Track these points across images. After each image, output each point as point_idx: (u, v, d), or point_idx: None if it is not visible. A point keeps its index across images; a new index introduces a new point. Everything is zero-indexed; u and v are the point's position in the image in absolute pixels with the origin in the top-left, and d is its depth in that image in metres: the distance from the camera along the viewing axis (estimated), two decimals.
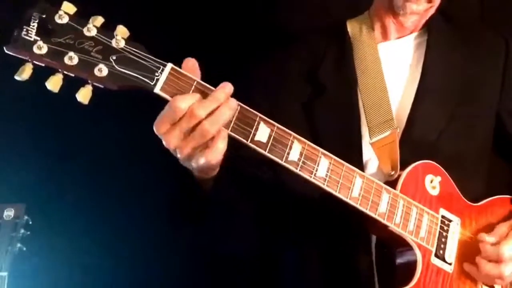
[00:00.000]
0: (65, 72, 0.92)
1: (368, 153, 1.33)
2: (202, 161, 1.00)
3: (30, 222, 1.67)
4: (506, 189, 1.45)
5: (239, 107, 1.02)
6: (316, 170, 1.09)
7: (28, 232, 1.67)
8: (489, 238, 1.25)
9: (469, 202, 1.33)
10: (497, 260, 1.21)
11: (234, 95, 1.01)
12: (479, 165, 1.43)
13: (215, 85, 1.00)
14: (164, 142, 1.00)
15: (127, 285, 1.86)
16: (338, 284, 1.31)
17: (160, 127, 0.98)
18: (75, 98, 0.95)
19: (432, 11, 1.38)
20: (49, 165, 1.83)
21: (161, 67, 0.96)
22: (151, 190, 1.82)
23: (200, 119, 0.96)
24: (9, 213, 1.65)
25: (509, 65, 1.43)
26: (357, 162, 1.29)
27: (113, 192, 1.84)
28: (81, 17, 0.96)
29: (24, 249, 1.64)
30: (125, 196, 1.85)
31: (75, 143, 1.85)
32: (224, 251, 1.85)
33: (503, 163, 1.53)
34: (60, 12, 0.92)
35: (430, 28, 1.43)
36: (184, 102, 0.96)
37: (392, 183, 1.24)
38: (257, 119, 1.03)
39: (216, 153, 1.00)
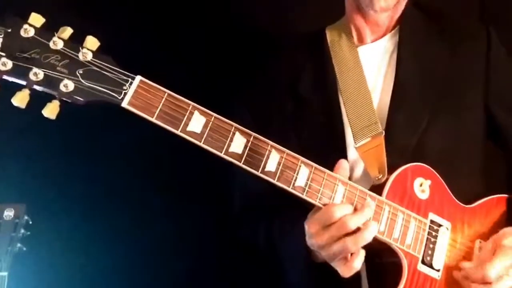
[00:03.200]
0: (31, 88, 0.91)
1: (354, 158, 1.31)
2: (337, 267, 1.12)
3: (30, 222, 1.65)
4: (506, 187, 1.40)
5: (213, 118, 1.00)
6: (295, 180, 1.07)
7: (28, 232, 1.65)
8: (468, 265, 1.22)
9: (462, 205, 1.29)
10: (485, 283, 1.17)
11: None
12: (472, 163, 1.38)
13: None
14: (312, 240, 1.13)
15: (127, 285, 1.86)
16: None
17: (311, 227, 1.12)
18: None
19: (403, 3, 1.34)
20: (49, 165, 1.81)
21: (130, 80, 0.94)
22: (152, 190, 1.84)
23: (350, 231, 1.08)
24: (9, 213, 1.64)
25: (492, 53, 1.38)
26: None
27: (113, 192, 1.83)
28: (49, 29, 0.94)
29: (24, 249, 1.63)
30: (126, 196, 1.84)
31: (75, 143, 1.82)
32: None
33: (501, 159, 1.48)
34: (25, 26, 0.91)
35: (402, 26, 1.38)
36: (338, 211, 1.09)
37: (379, 187, 1.22)
38: (232, 129, 1.01)
39: (351, 270, 1.10)
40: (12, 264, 1.57)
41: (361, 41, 1.41)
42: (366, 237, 1.09)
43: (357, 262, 1.10)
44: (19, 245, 1.63)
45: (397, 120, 1.30)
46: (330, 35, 1.43)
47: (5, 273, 1.56)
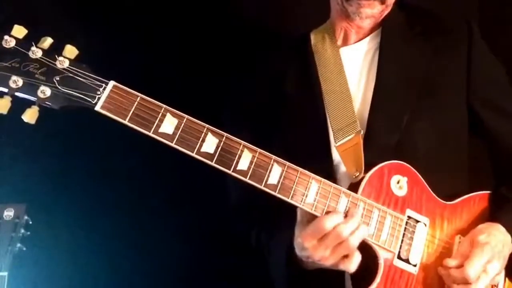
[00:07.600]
0: (12, 94, 0.97)
1: (338, 157, 1.33)
2: (342, 268, 1.16)
3: (30, 222, 1.68)
4: (492, 181, 1.43)
5: (185, 119, 1.05)
6: (268, 177, 1.11)
7: (28, 232, 1.67)
8: (451, 262, 1.23)
9: (442, 201, 1.31)
10: (466, 283, 1.19)
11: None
12: (455, 161, 1.40)
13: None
14: (308, 253, 1.15)
15: (127, 285, 1.89)
16: (308, 284, 1.32)
17: (306, 242, 1.14)
18: None
19: (387, 10, 1.37)
20: (49, 165, 1.85)
21: (103, 85, 0.99)
22: (151, 189, 1.88)
23: (345, 239, 1.12)
24: (9, 213, 1.65)
25: (473, 49, 1.39)
26: (327, 166, 1.31)
27: (113, 191, 1.86)
28: (30, 40, 1.00)
29: (24, 249, 1.65)
30: (126, 196, 1.87)
31: (76, 142, 1.85)
32: None
33: (485, 156, 1.48)
34: (6, 37, 0.97)
35: (384, 27, 1.41)
36: (330, 222, 1.12)
37: (356, 185, 1.24)
38: (204, 130, 1.05)
39: (356, 263, 1.15)
40: (12, 264, 1.59)
41: (345, 42, 1.44)
42: (359, 238, 1.15)
43: (358, 256, 1.16)
44: (19, 245, 1.64)
45: (377, 119, 1.33)
46: (314, 38, 1.47)
47: (5, 273, 1.58)
